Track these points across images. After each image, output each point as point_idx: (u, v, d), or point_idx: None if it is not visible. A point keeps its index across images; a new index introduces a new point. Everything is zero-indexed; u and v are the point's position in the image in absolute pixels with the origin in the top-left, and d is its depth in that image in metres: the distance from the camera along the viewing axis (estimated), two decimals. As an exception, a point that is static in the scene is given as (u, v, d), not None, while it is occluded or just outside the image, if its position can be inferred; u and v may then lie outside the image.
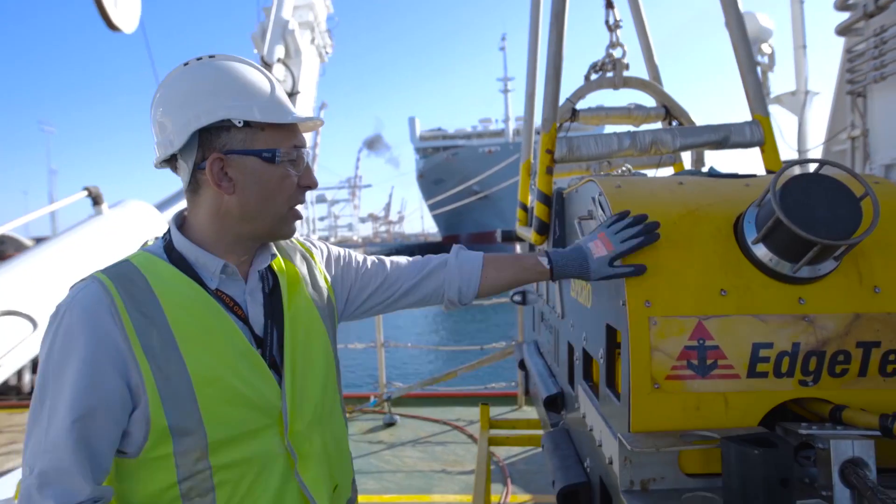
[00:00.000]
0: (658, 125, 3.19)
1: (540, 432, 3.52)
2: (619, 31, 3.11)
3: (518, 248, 3.95)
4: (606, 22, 3.14)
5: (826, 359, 1.35)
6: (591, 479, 1.86)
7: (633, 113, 3.06)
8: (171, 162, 1.21)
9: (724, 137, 2.37)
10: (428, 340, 18.32)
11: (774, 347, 1.35)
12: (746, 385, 1.35)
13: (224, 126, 1.15)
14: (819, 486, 1.23)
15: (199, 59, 1.22)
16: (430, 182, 56.98)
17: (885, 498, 1.09)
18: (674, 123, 3.06)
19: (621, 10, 3.21)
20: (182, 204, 1.31)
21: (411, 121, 64.97)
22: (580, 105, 2.99)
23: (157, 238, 1.28)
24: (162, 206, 5.58)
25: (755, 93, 2.40)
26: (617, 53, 3.10)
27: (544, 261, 1.47)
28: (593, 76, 3.14)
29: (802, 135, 4.38)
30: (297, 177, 1.23)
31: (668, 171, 3.45)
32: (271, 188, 1.19)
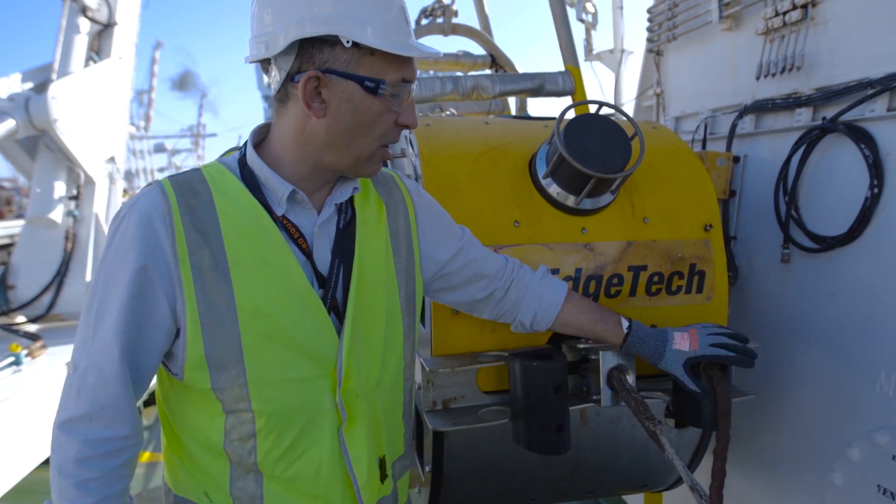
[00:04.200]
0: (487, 72, 3.31)
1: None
2: (448, -23, 3.14)
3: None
4: (437, -33, 3.15)
5: (603, 282, 1.52)
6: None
7: (461, 60, 3.13)
8: (264, 62, 1.07)
9: (539, 85, 2.51)
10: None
11: (560, 273, 1.49)
12: None
13: (329, 40, 0.99)
14: (591, 393, 1.40)
15: None
16: (280, 132, 54.04)
17: (637, 396, 1.27)
18: (500, 72, 3.19)
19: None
20: None
21: (258, 66, 60.76)
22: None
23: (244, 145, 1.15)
24: None
25: (567, 44, 2.56)
26: (446, 0, 3.14)
27: (624, 325, 1.32)
28: (424, 21, 3.16)
29: (618, 90, 4.79)
30: (398, 114, 1.07)
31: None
32: (366, 122, 1.05)
